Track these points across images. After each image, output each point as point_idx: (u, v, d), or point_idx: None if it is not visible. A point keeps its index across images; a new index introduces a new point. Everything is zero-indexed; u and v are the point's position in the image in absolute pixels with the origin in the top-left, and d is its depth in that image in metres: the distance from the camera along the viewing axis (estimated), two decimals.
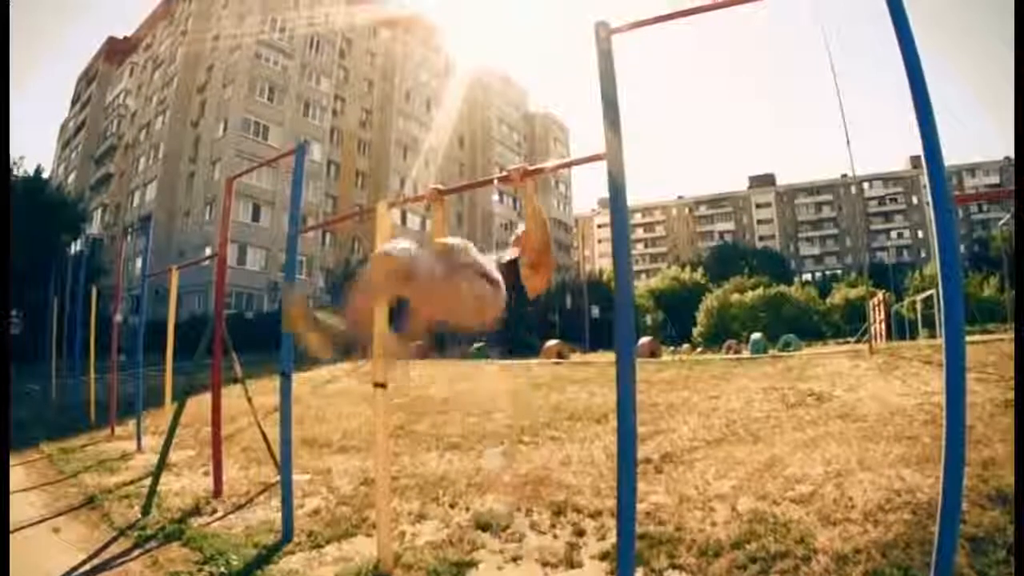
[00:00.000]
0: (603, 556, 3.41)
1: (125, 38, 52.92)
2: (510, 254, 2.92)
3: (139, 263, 37.80)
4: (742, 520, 3.75)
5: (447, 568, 3.37)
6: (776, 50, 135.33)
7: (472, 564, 3.45)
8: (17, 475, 6.30)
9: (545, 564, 3.41)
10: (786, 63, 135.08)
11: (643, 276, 73.32)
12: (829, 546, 3.29)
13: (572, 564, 3.40)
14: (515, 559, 3.49)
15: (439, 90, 51.58)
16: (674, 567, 3.23)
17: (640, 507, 4.10)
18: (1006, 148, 59.62)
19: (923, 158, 2.33)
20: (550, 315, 46.02)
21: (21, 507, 4.90)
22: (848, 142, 14.11)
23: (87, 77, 55.46)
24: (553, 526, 3.97)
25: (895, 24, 2.40)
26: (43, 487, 5.78)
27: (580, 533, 3.80)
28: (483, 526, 4.00)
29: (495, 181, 3.31)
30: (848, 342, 23.82)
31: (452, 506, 4.52)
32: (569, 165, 3.45)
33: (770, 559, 3.21)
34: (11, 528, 4.20)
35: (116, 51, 52.64)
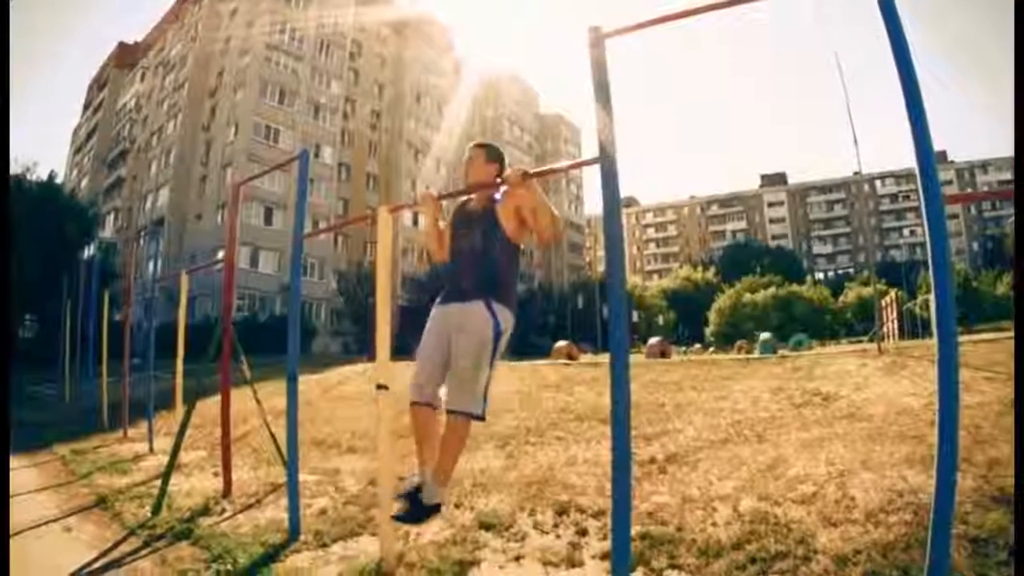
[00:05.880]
0: (604, 556, 3.43)
1: (136, 43, 53.48)
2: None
3: (152, 266, 38.25)
4: (743, 520, 3.76)
5: (449, 567, 3.40)
6: (787, 46, 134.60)
7: (475, 563, 3.49)
8: (30, 476, 6.42)
9: (547, 563, 3.44)
10: (798, 59, 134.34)
11: (655, 276, 73.22)
12: (829, 546, 3.30)
13: (573, 563, 3.42)
14: (517, 558, 3.53)
15: (449, 92, 51.66)
16: (673, 567, 3.25)
17: (643, 507, 4.13)
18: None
19: (915, 158, 2.33)
20: (551, 315, 46.06)
21: (34, 507, 4.99)
22: (855, 140, 13.94)
23: (98, 82, 56.12)
24: (556, 526, 4.00)
25: (886, 20, 2.40)
26: (56, 488, 5.88)
27: (583, 533, 3.82)
28: (486, 526, 4.04)
29: (497, 185, 3.14)
30: (861, 341, 23.65)
31: (457, 506, 4.55)
32: (563, 169, 3.44)
33: (770, 559, 3.22)
34: (25, 527, 4.30)
35: (127, 56, 53.21)
